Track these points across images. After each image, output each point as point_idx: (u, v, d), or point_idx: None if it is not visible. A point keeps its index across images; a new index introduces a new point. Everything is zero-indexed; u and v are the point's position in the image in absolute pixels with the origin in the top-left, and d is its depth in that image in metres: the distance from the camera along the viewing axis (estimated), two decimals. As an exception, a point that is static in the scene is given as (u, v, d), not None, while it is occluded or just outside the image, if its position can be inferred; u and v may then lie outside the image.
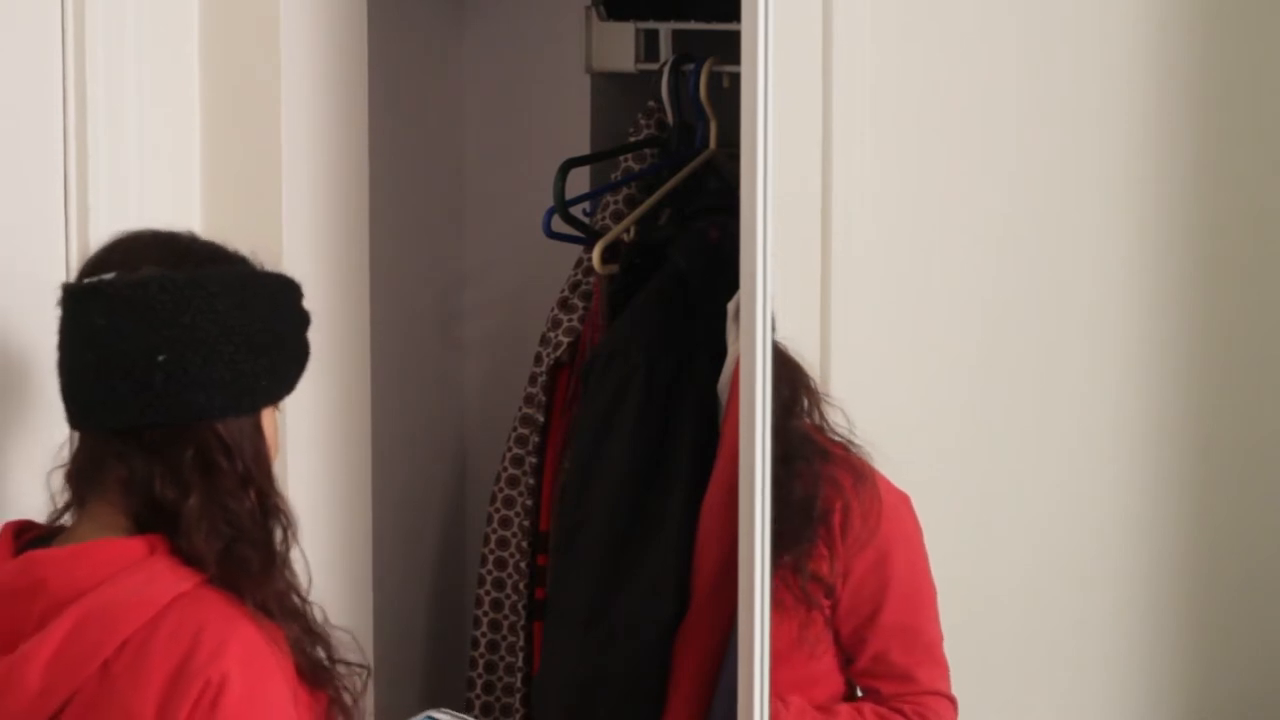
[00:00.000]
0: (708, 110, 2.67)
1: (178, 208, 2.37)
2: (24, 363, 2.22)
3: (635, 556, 2.35)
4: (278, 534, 1.92)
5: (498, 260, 3.10)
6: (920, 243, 2.34)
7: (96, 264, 1.90)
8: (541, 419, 2.74)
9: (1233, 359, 2.81)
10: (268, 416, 1.93)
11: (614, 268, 2.59)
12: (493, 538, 2.80)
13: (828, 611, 2.22)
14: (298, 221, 2.40)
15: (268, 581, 1.87)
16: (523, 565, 2.77)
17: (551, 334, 2.72)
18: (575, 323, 2.70)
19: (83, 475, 1.91)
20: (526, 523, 2.76)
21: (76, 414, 1.89)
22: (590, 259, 2.66)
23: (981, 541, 2.48)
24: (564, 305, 2.72)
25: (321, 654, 1.91)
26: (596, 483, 2.43)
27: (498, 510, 2.79)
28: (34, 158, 2.23)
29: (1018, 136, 2.46)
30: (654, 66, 2.81)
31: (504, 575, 2.79)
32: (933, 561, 2.40)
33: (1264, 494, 2.87)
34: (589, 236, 2.67)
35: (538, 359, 2.73)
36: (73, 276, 2.12)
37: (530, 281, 2.98)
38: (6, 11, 2.19)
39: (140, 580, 1.82)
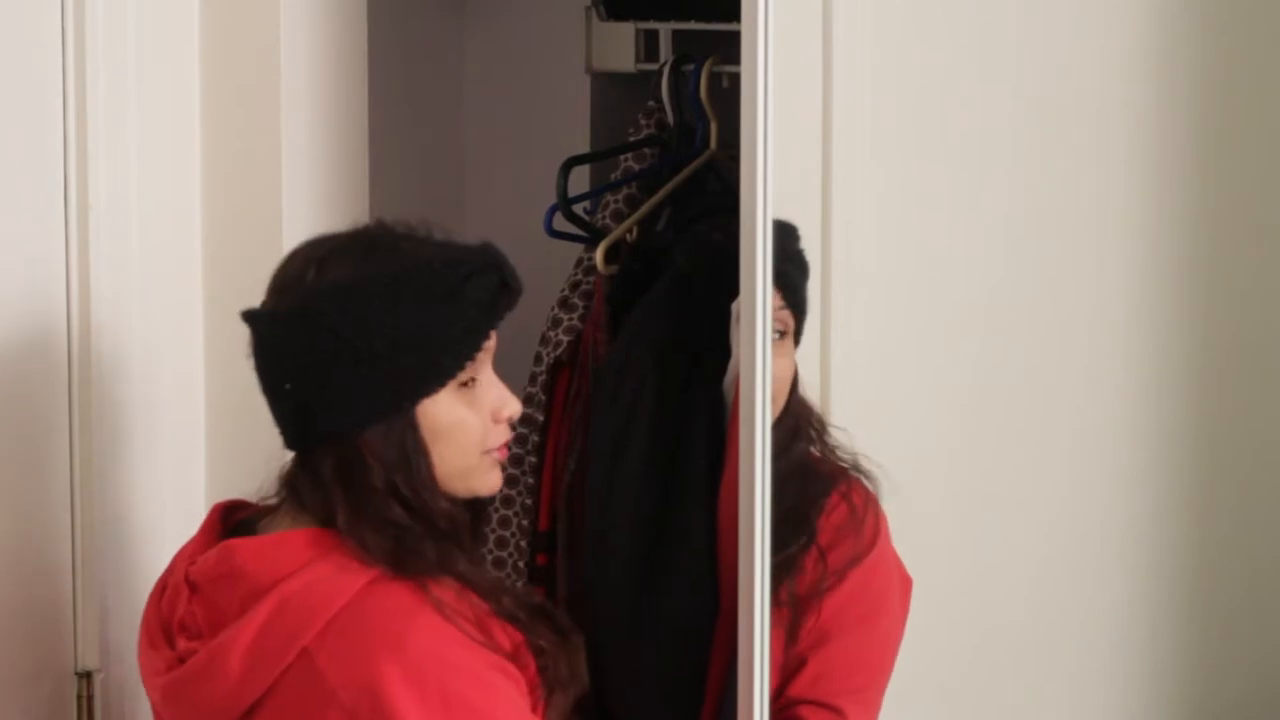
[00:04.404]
0: (708, 110, 2.67)
1: (178, 207, 2.37)
2: (23, 362, 2.22)
3: (666, 562, 2.34)
4: (443, 523, 1.93)
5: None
6: (920, 242, 2.34)
7: (268, 289, 1.96)
8: (541, 419, 2.73)
9: (1234, 359, 2.81)
10: (442, 402, 1.91)
11: (615, 268, 2.59)
12: (491, 537, 2.79)
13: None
14: (298, 221, 2.40)
15: (447, 568, 1.91)
16: (521, 565, 2.77)
17: (551, 333, 2.71)
18: (576, 322, 2.69)
19: (281, 481, 1.98)
20: (525, 522, 2.76)
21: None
22: (590, 258, 2.66)
23: (982, 543, 2.48)
24: (564, 305, 2.72)
25: (524, 620, 1.95)
26: (618, 495, 2.42)
27: (496, 510, 2.78)
28: (34, 157, 2.23)
29: (1017, 137, 2.46)
30: (654, 66, 2.81)
31: (502, 575, 2.79)
32: (933, 563, 2.39)
33: (1266, 494, 2.87)
34: (591, 235, 2.67)
35: (537, 359, 2.73)
36: (73, 276, 2.15)
37: (530, 281, 2.97)
38: (6, 11, 2.18)
39: (331, 569, 1.88)
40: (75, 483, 2.27)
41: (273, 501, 1.98)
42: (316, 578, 1.88)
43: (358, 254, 1.91)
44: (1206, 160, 2.70)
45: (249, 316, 1.93)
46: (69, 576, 2.27)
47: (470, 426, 1.93)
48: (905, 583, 2.27)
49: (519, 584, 1.99)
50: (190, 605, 1.92)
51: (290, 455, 1.97)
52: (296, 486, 1.94)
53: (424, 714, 1.83)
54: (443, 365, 1.91)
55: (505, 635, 1.92)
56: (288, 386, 1.90)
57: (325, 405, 1.89)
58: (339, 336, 1.87)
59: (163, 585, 2.00)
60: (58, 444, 2.25)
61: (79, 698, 2.29)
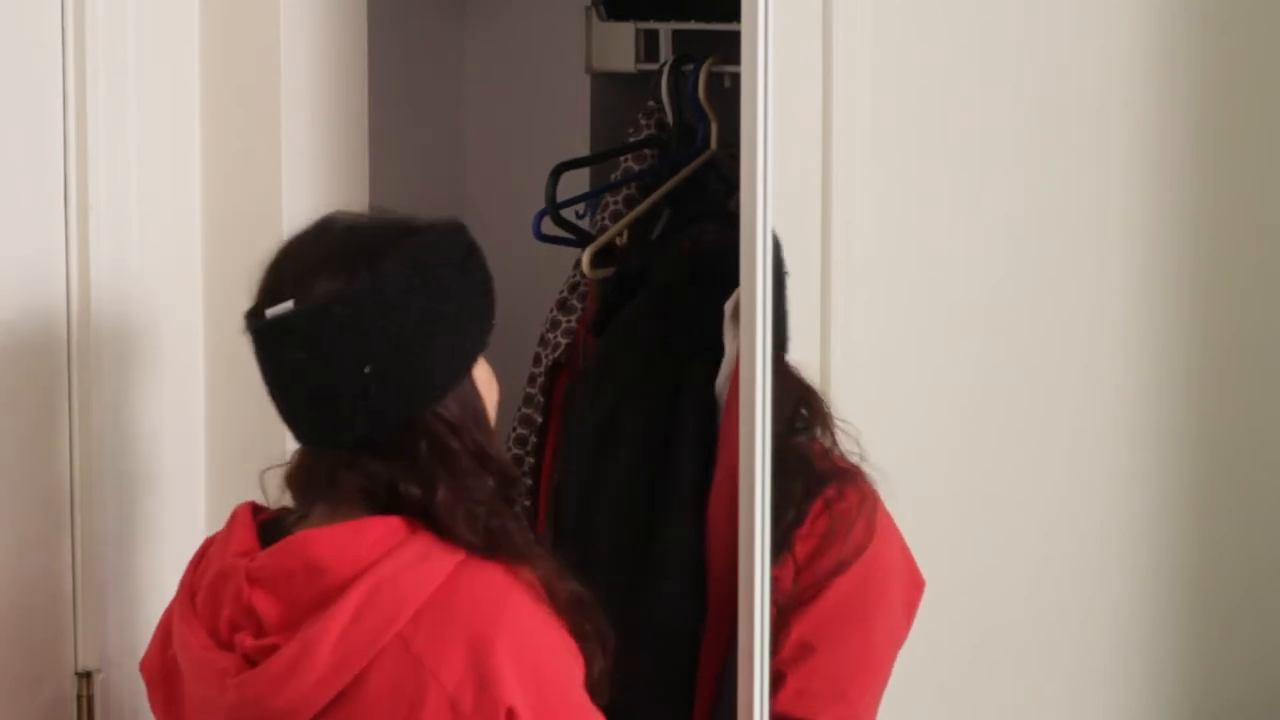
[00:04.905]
0: (708, 110, 2.67)
1: (178, 207, 2.37)
2: (23, 362, 2.22)
3: (652, 565, 2.34)
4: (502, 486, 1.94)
5: (496, 260, 3.08)
6: (920, 242, 2.34)
7: (271, 289, 1.90)
8: (540, 419, 2.73)
9: (1234, 359, 2.81)
10: (478, 369, 1.94)
11: (606, 272, 2.58)
12: (493, 538, 2.79)
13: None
14: (298, 221, 2.37)
15: (528, 543, 1.92)
16: (522, 565, 2.77)
17: (550, 334, 2.71)
18: (574, 323, 2.70)
19: (312, 484, 1.92)
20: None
21: (303, 435, 1.92)
22: (587, 261, 2.66)
23: (982, 543, 2.48)
24: (562, 306, 2.72)
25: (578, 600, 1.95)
26: (600, 498, 2.42)
27: (498, 510, 2.78)
28: (34, 157, 2.23)
29: (1018, 137, 2.46)
30: (654, 66, 2.81)
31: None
32: (933, 563, 2.39)
33: (1266, 494, 2.87)
34: (580, 240, 2.66)
35: (536, 359, 2.73)
36: (73, 276, 2.13)
37: (529, 281, 2.98)
38: (6, 11, 2.18)
39: (416, 554, 1.86)
40: (75, 483, 2.27)
41: (288, 504, 1.96)
42: (406, 563, 1.85)
43: (392, 224, 1.92)
44: (1206, 160, 2.70)
45: (300, 314, 1.85)
46: (69, 577, 2.27)
47: (494, 381, 1.97)
48: (913, 586, 2.23)
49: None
50: (249, 600, 1.88)
51: (297, 456, 1.94)
52: (360, 478, 1.88)
53: (524, 692, 1.83)
54: (489, 320, 1.94)
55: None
56: (368, 370, 1.84)
57: (414, 375, 1.86)
58: (416, 302, 1.86)
59: (190, 590, 1.96)
60: (58, 445, 2.26)
61: (79, 698, 2.29)
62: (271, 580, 1.87)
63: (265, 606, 1.87)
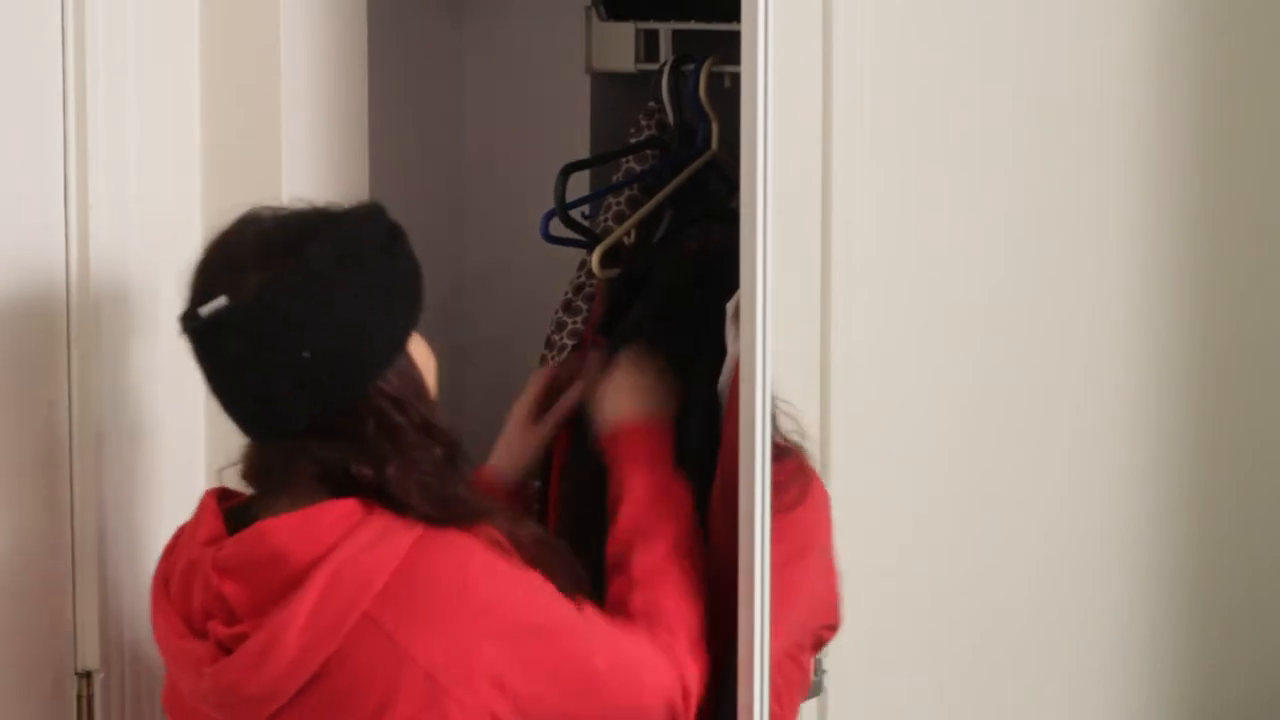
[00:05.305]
0: (708, 110, 2.67)
1: (178, 208, 2.37)
2: (23, 362, 2.22)
3: None
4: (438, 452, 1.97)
5: (498, 260, 3.09)
6: (920, 242, 2.34)
7: (204, 286, 1.92)
8: (544, 419, 2.73)
9: (1234, 359, 2.81)
10: (413, 343, 1.97)
11: (614, 272, 2.59)
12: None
13: None
14: (298, 221, 2.40)
15: (482, 503, 1.96)
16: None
17: (555, 336, 2.71)
18: (579, 324, 2.69)
19: (270, 475, 1.96)
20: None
21: (250, 429, 1.95)
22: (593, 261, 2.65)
23: (982, 543, 2.48)
24: (567, 307, 2.72)
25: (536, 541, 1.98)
26: (605, 499, 2.42)
27: (499, 511, 2.78)
28: (34, 157, 2.23)
29: (1018, 137, 2.46)
30: (654, 66, 2.81)
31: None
32: (933, 563, 2.39)
33: (1266, 494, 2.87)
34: (589, 240, 2.66)
35: (541, 361, 2.73)
36: (73, 276, 2.13)
37: (531, 282, 2.98)
38: (6, 11, 2.18)
39: (375, 533, 1.89)
40: (75, 484, 2.27)
41: (252, 493, 1.99)
42: (365, 543, 1.88)
43: (314, 213, 1.95)
44: (1206, 160, 2.70)
45: (235, 309, 1.88)
46: (69, 576, 2.27)
47: (431, 355, 2.00)
48: (828, 571, 2.20)
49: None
50: (219, 589, 1.91)
51: (248, 450, 1.97)
52: (313, 464, 1.92)
53: (500, 653, 1.87)
54: (419, 296, 1.98)
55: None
56: (307, 355, 1.87)
57: (355, 353, 1.90)
58: (350, 281, 1.90)
59: (164, 577, 2.00)
60: (57, 446, 2.25)
61: (79, 698, 2.29)
62: (238, 569, 1.91)
63: (234, 595, 1.90)
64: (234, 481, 2.01)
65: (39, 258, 2.23)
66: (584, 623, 1.94)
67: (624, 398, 2.19)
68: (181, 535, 2.02)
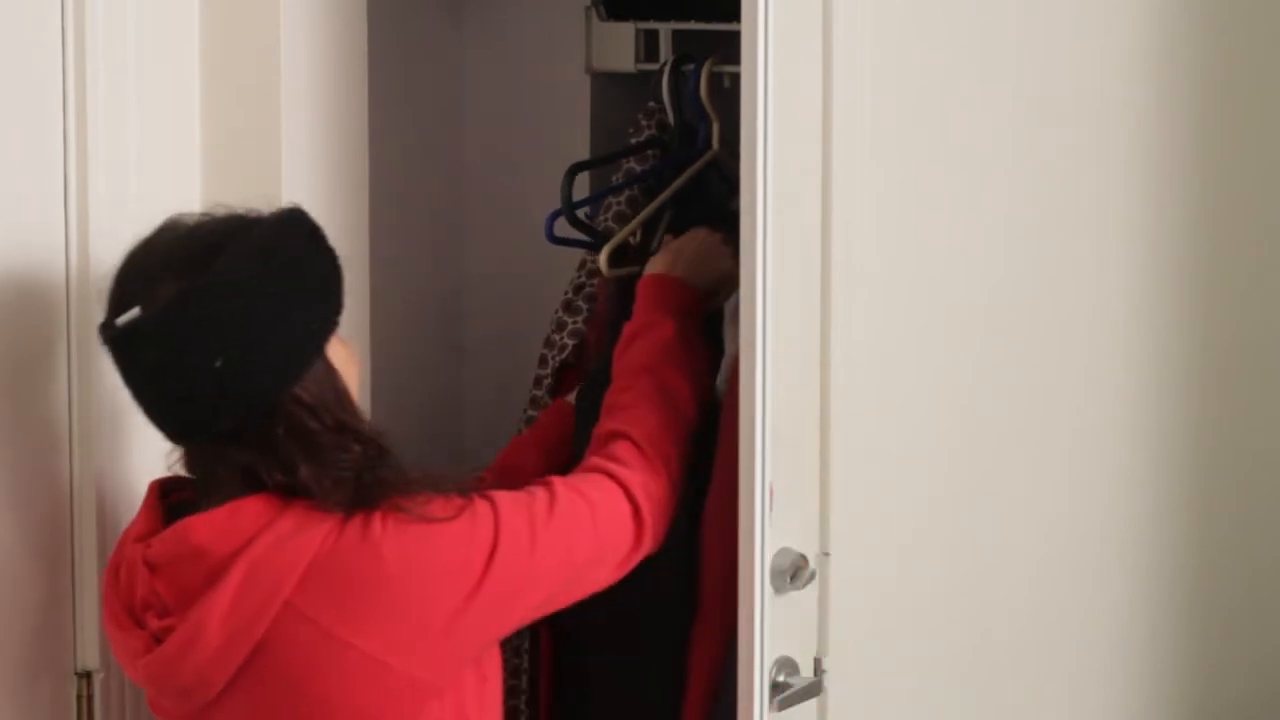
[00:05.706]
0: (709, 110, 2.67)
1: (178, 208, 2.36)
2: (23, 362, 2.22)
3: (651, 563, 2.34)
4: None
5: (498, 261, 3.09)
6: (920, 242, 2.34)
7: (120, 298, 1.96)
8: (545, 419, 2.73)
9: (1234, 359, 2.81)
10: (332, 348, 1.99)
11: (624, 271, 2.59)
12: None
13: None
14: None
15: (403, 476, 1.98)
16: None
17: (556, 336, 2.71)
18: (580, 324, 2.69)
19: (198, 473, 2.02)
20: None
21: (169, 434, 2.00)
22: (593, 260, 2.65)
23: (983, 543, 2.48)
24: (568, 307, 2.72)
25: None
26: None
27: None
28: (34, 157, 2.23)
29: (1018, 136, 2.46)
30: (654, 66, 2.81)
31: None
32: (932, 563, 2.39)
33: (1266, 494, 2.87)
34: (595, 240, 2.66)
35: (542, 360, 2.73)
36: (73, 276, 2.13)
37: (531, 283, 2.98)
38: (6, 11, 2.18)
39: (292, 524, 1.93)
40: (75, 485, 2.27)
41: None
42: (282, 534, 1.92)
43: (230, 219, 1.98)
44: (1206, 160, 2.70)
45: (148, 319, 1.91)
46: (69, 576, 2.27)
47: (349, 369, 2.03)
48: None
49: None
50: (152, 584, 1.96)
51: (180, 451, 2.01)
52: (233, 469, 1.96)
53: (443, 608, 1.92)
54: (338, 299, 2.00)
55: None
56: (218, 364, 1.90)
57: (267, 361, 1.92)
58: (263, 289, 1.92)
59: (114, 567, 2.05)
60: (58, 446, 2.25)
61: (79, 698, 2.29)
62: (165, 565, 1.96)
63: (164, 589, 1.96)
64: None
65: (39, 258, 2.23)
66: (514, 529, 1.97)
67: (680, 261, 2.32)
68: (132, 526, 2.06)
